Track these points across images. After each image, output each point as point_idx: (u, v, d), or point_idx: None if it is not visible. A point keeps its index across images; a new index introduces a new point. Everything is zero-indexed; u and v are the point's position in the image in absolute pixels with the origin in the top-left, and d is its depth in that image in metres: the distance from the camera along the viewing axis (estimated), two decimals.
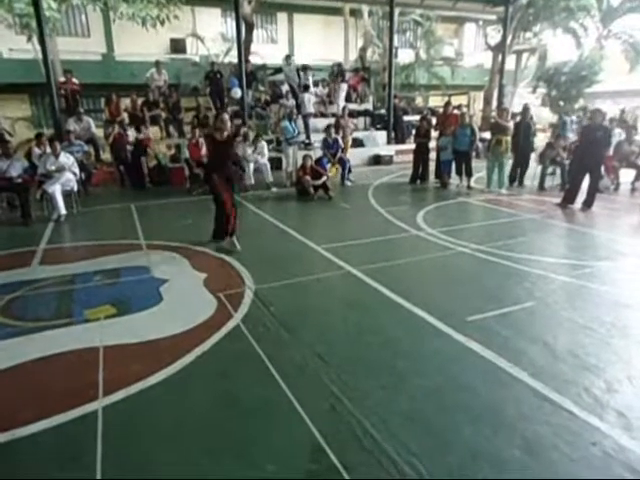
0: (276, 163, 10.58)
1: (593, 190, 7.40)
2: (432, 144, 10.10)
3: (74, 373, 2.94)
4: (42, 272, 4.76)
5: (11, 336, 3.41)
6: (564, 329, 3.46)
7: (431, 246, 5.55)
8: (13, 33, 13.33)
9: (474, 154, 9.85)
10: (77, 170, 7.59)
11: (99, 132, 11.22)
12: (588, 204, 7.38)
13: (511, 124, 9.06)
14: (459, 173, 9.40)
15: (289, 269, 4.75)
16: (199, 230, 6.08)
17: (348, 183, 9.95)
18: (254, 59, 14.78)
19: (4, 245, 5.80)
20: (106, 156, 10.84)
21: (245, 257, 5.12)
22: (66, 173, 7.28)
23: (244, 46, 12.77)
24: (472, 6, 18.01)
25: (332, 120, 11.34)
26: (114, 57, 17.30)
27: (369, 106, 15.16)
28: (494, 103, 16.99)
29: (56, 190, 6.99)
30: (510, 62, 18.97)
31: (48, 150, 7.60)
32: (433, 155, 10.04)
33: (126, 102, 11.55)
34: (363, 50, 19.38)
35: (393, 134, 14.20)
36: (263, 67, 14.58)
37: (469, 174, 9.23)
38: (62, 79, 11.39)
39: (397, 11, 15.38)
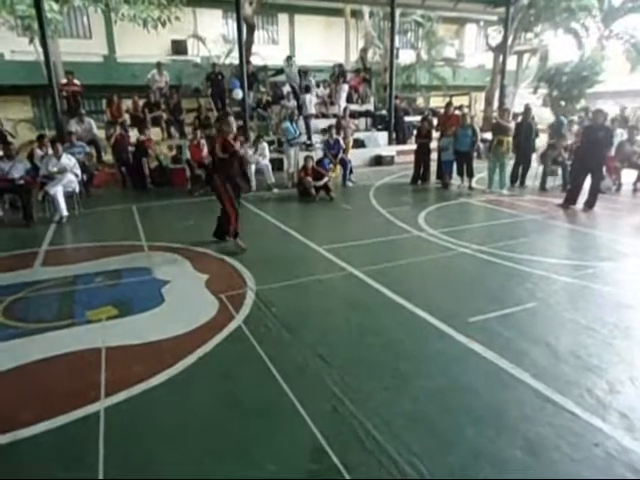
0: (277, 164, 10.59)
1: (595, 190, 7.38)
2: (433, 145, 10.10)
3: (76, 374, 2.94)
4: (44, 273, 4.77)
5: (13, 337, 3.42)
6: (566, 330, 3.45)
7: (433, 247, 5.55)
8: (15, 35, 13.35)
9: (475, 155, 9.84)
10: (79, 171, 7.60)
11: (101, 133, 11.27)
12: (590, 205, 7.37)
13: (512, 124, 9.06)
14: (460, 174, 9.39)
15: (291, 270, 4.75)
16: (200, 231, 6.09)
17: (349, 184, 9.95)
18: (255, 60, 14.79)
19: (6, 246, 5.81)
20: (108, 157, 10.86)
21: (247, 258, 5.13)
22: (68, 174, 7.29)
23: (245, 47, 12.77)
24: (473, 7, 18.03)
25: (333, 121, 11.36)
26: (115, 58, 17.33)
27: (370, 107, 15.17)
28: (495, 104, 16.96)
29: (58, 191, 7.01)
30: (511, 63, 18.92)
31: (50, 152, 7.63)
32: (434, 156, 10.03)
33: (127, 103, 11.59)
34: (364, 51, 19.37)
35: (394, 135, 14.19)
36: (264, 68, 14.58)
37: (470, 175, 9.22)
38: (64, 81, 11.42)
39: (398, 12, 15.36)
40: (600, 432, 2.34)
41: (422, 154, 10.02)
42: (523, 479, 2.08)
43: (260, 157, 9.34)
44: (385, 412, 2.50)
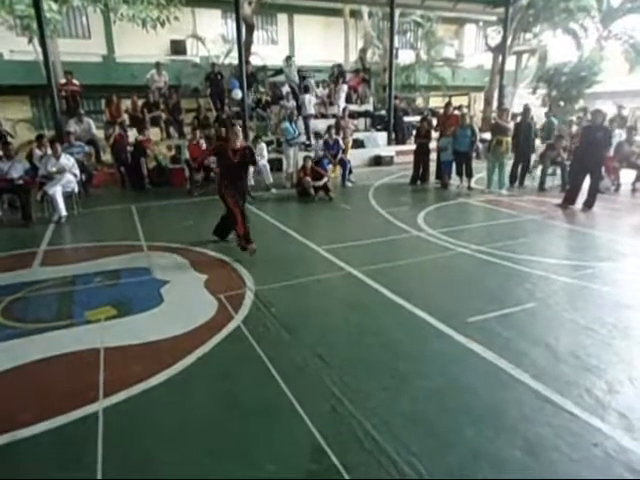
0: (276, 164, 10.59)
1: (594, 191, 7.40)
2: (432, 145, 10.10)
3: (75, 374, 2.94)
4: (43, 273, 4.77)
5: (12, 337, 3.41)
6: (565, 330, 3.45)
7: (432, 247, 5.55)
8: (14, 35, 13.33)
9: (474, 155, 9.86)
10: (78, 171, 7.60)
11: (100, 133, 11.25)
12: (589, 205, 7.38)
13: (511, 125, 9.07)
14: (459, 174, 9.40)
15: (290, 270, 4.75)
16: (200, 231, 6.08)
17: (349, 184, 9.95)
18: (254, 60, 14.78)
19: (5, 246, 5.80)
20: (107, 157, 10.85)
21: (246, 258, 5.12)
22: (67, 174, 7.28)
23: (244, 47, 12.78)
24: (472, 7, 18.05)
25: (332, 121, 11.35)
26: (114, 58, 17.31)
27: (369, 107, 15.18)
28: (494, 104, 16.99)
29: (57, 191, 7.00)
30: (510, 63, 18.95)
31: (49, 151, 7.61)
32: (433, 156, 10.04)
33: (127, 103, 11.58)
34: (363, 51, 19.37)
35: (393, 135, 14.21)
36: (263, 68, 14.59)
37: (469, 175, 9.23)
38: (63, 80, 11.41)
39: (397, 12, 15.37)
40: (599, 432, 2.34)
41: (421, 154, 10.03)
42: (522, 479, 2.08)
43: (258, 157, 9.32)
44: (384, 412, 2.50)
